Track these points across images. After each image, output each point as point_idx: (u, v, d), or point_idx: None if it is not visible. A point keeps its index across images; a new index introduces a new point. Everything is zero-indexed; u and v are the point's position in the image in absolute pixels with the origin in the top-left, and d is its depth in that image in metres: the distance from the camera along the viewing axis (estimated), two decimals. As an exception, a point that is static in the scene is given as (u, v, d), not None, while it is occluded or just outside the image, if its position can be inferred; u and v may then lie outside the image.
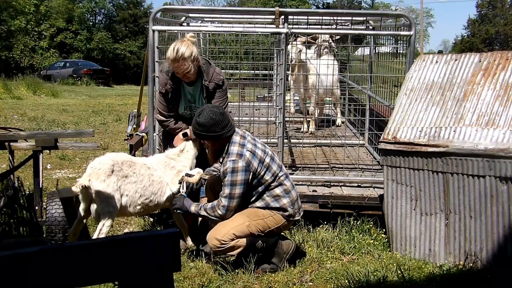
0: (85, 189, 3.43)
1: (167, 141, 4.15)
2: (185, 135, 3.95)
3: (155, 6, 62.18)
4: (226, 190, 3.44)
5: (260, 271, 3.61)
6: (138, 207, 3.66)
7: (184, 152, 3.95)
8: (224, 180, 3.46)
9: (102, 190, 3.43)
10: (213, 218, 3.52)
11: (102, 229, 3.45)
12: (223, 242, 3.46)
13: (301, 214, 3.76)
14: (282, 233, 3.89)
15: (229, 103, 4.29)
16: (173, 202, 3.64)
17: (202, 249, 3.89)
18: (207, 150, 3.92)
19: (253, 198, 3.58)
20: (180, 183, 3.72)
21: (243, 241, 3.50)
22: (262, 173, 3.50)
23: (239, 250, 3.52)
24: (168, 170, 3.83)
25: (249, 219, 3.53)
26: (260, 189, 3.55)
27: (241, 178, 3.41)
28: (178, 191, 3.75)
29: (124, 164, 3.60)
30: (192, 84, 3.99)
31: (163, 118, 4.07)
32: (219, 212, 3.47)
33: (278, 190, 3.57)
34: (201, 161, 4.03)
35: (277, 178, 3.56)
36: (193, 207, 3.56)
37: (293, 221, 3.75)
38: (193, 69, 3.83)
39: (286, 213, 3.59)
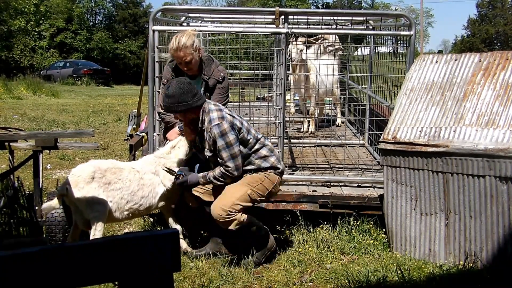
0: (66, 197, 3.45)
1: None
2: (180, 128, 3.97)
3: (154, 6, 62.21)
4: (225, 153, 3.51)
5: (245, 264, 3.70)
6: (126, 212, 3.66)
7: (175, 149, 3.94)
8: (217, 146, 3.52)
9: (82, 197, 3.44)
10: (225, 181, 3.60)
11: (95, 234, 3.45)
12: (230, 212, 3.53)
13: (284, 169, 3.91)
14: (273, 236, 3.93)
15: (229, 103, 4.31)
16: (178, 183, 3.71)
17: (199, 254, 3.88)
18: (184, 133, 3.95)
19: (244, 162, 3.65)
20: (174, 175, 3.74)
21: (245, 217, 3.61)
22: (245, 135, 3.61)
23: (239, 226, 3.58)
24: (160, 169, 3.82)
25: (250, 186, 3.63)
26: (246, 152, 3.64)
27: (233, 137, 3.51)
28: (174, 186, 3.80)
29: (107, 171, 3.59)
30: (194, 78, 4.05)
31: (161, 111, 4.15)
32: (230, 174, 3.55)
33: (264, 151, 3.69)
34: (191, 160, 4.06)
35: (259, 140, 3.70)
36: (201, 179, 3.66)
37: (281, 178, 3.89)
38: (194, 59, 3.92)
39: (278, 170, 3.73)
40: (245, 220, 3.60)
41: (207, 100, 3.71)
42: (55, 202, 3.50)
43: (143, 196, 3.71)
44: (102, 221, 3.50)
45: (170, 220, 4.01)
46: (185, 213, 4.14)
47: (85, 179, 3.48)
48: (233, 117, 3.62)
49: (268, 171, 3.69)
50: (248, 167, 3.67)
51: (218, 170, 3.60)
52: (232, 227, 3.58)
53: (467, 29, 43.91)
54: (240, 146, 3.58)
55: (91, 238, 3.44)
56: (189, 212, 4.08)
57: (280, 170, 3.75)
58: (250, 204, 3.65)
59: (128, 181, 3.65)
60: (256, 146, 3.67)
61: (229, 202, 3.55)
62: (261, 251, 3.76)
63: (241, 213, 3.58)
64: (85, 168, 3.56)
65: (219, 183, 3.63)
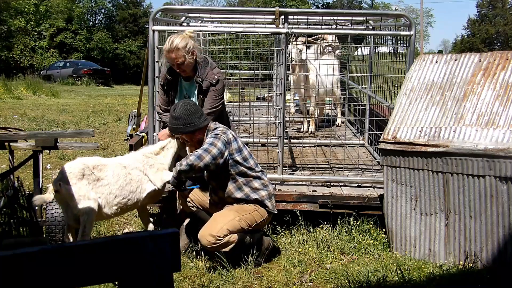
0: (58, 193, 3.47)
1: None
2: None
3: (154, 6, 62.23)
4: (205, 146, 3.48)
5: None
6: (115, 207, 3.68)
7: (164, 150, 3.95)
8: (204, 143, 3.53)
9: (74, 193, 3.46)
10: (183, 168, 3.43)
11: (84, 230, 3.47)
12: (218, 238, 3.48)
13: (276, 211, 3.82)
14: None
15: (229, 103, 4.31)
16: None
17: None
18: (187, 149, 3.92)
19: (233, 188, 3.64)
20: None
21: (235, 237, 3.56)
22: (240, 161, 3.58)
23: (231, 246, 3.55)
24: (148, 169, 3.83)
25: (238, 214, 3.59)
26: (239, 178, 3.62)
27: (220, 146, 3.48)
28: (163, 186, 3.86)
29: (95, 168, 3.62)
30: (189, 79, 4.05)
31: (159, 111, 4.19)
32: (191, 158, 3.43)
33: (256, 183, 3.66)
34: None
35: (255, 171, 3.67)
36: (173, 172, 3.59)
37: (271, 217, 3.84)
38: (187, 61, 3.88)
39: (267, 208, 3.69)
40: (235, 239, 3.56)
41: (216, 122, 3.74)
42: (47, 195, 3.51)
43: (131, 191, 3.73)
44: (92, 217, 3.51)
45: (145, 219, 4.09)
46: (184, 213, 4.15)
47: (77, 175, 3.51)
48: (236, 139, 3.62)
49: (258, 205, 3.66)
50: (237, 194, 3.64)
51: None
52: (226, 250, 3.55)
53: (467, 29, 43.93)
54: (236, 170, 3.59)
55: (80, 232, 3.46)
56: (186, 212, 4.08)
57: (269, 209, 3.70)
58: (238, 231, 3.57)
59: (115, 176, 3.67)
60: (249, 173, 3.63)
61: (217, 227, 3.50)
62: (259, 252, 3.75)
63: (229, 235, 3.52)
64: (74, 165, 3.59)
65: (178, 168, 3.46)
